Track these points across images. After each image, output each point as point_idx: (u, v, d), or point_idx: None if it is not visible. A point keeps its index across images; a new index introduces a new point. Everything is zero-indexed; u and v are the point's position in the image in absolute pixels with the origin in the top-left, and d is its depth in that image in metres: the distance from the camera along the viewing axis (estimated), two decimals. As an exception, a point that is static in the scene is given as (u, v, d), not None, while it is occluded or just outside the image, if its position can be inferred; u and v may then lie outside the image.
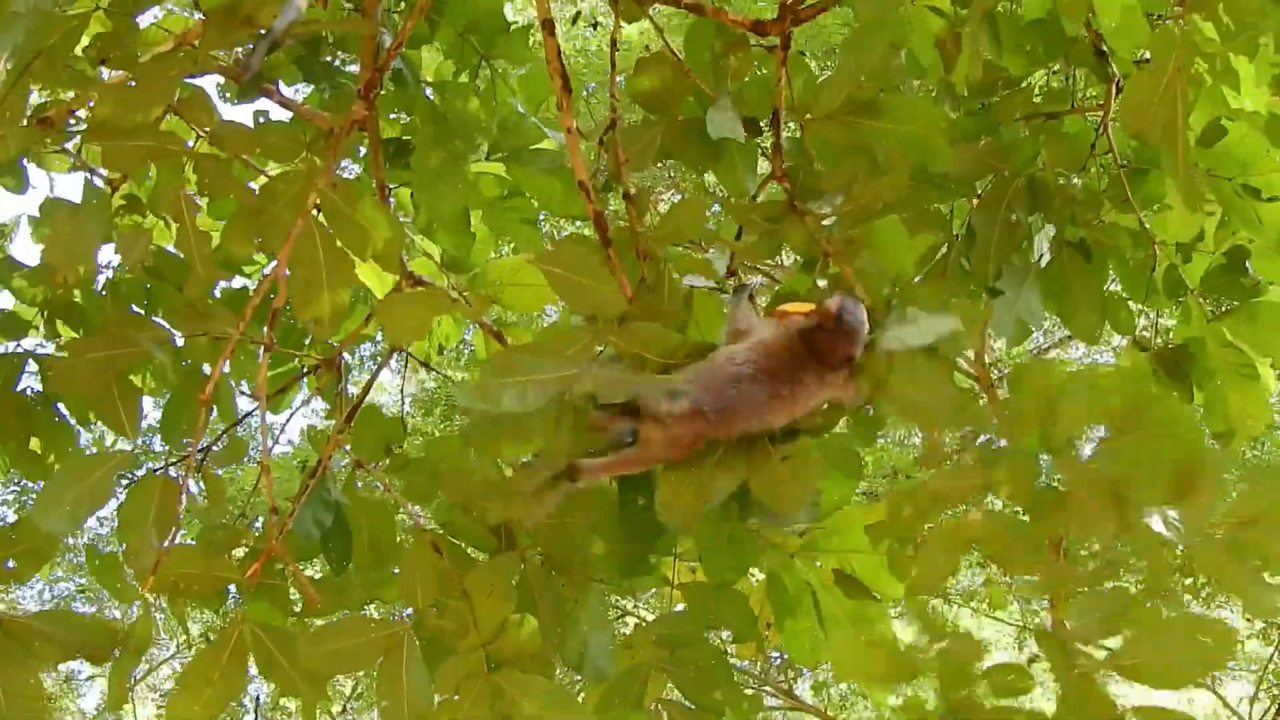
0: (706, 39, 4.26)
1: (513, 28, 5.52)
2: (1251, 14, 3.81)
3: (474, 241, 5.63)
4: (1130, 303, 4.95)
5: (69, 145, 5.23)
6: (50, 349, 5.16)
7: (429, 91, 5.46)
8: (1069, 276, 4.72)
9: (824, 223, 3.86)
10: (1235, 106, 4.43)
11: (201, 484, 4.55)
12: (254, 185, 4.28)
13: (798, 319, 3.44)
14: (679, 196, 15.36)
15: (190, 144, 4.00)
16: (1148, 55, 4.13)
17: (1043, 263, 4.77)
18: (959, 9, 4.56)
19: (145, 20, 4.29)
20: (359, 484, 4.77)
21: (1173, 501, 3.02)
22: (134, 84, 3.78)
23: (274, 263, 3.86)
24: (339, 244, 3.84)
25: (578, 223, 6.40)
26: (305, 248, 3.81)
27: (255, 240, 4.06)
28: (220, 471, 4.64)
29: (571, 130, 3.86)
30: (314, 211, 3.79)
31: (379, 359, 5.28)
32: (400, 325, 3.76)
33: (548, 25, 3.89)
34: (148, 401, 5.38)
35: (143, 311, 5.08)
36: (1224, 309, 4.78)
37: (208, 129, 3.97)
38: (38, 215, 4.47)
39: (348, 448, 4.68)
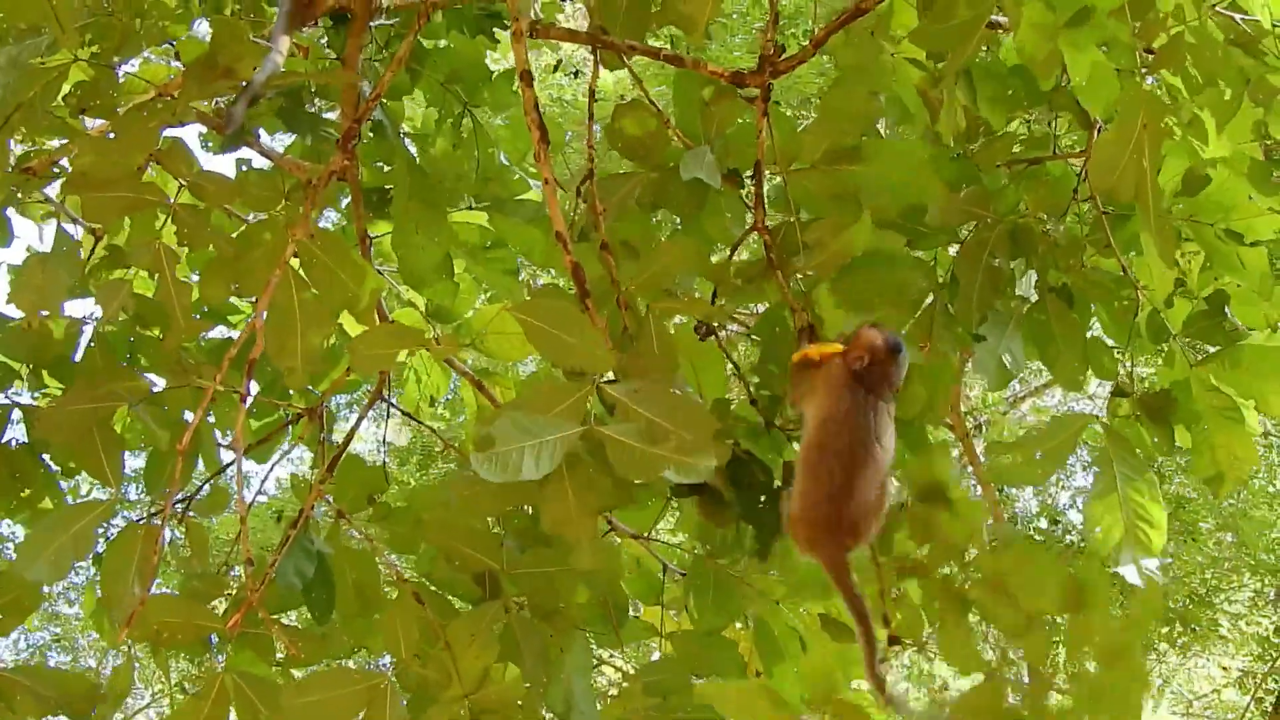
0: (694, 87, 4.28)
1: (495, 75, 5.55)
2: (1218, 66, 3.84)
3: (458, 291, 5.64)
4: (1113, 348, 4.96)
5: (52, 193, 5.23)
6: (36, 400, 5.16)
7: (408, 143, 5.47)
8: (1051, 322, 4.72)
9: (803, 274, 3.91)
10: (1206, 157, 4.44)
11: (183, 533, 4.56)
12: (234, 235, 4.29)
13: (841, 364, 3.51)
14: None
15: (170, 196, 4.02)
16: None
17: (1026, 308, 4.78)
18: (935, 63, 4.59)
19: (125, 70, 4.29)
20: (344, 533, 4.77)
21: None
22: (114, 135, 3.78)
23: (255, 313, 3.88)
24: (315, 293, 3.85)
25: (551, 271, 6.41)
26: (281, 296, 3.82)
27: (232, 287, 4.08)
28: (203, 520, 4.65)
29: (549, 181, 3.87)
30: (292, 260, 3.80)
31: (362, 407, 5.26)
32: (367, 358, 3.75)
33: (525, 77, 3.90)
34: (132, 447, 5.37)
35: (127, 362, 5.10)
36: (1207, 354, 4.78)
37: (187, 179, 3.98)
38: (20, 266, 4.47)
39: (330, 497, 4.68)
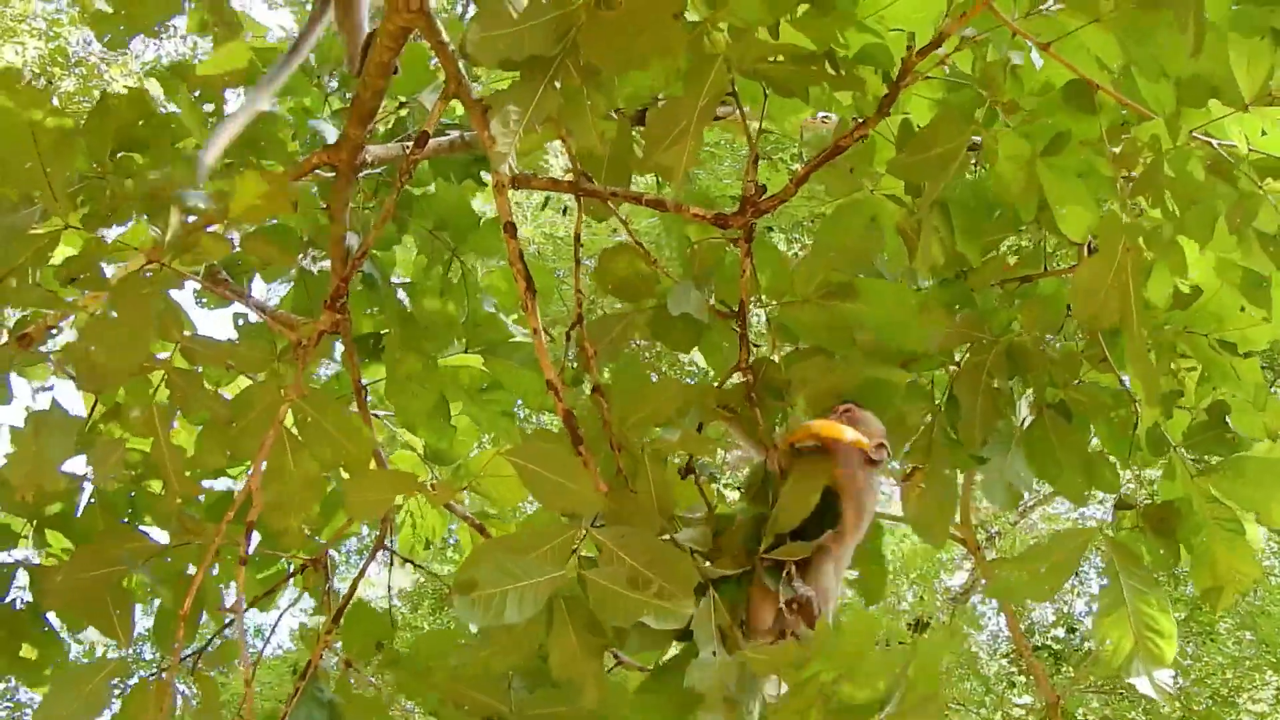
0: (679, 228, 4.33)
1: (482, 220, 5.60)
2: (1197, 194, 3.88)
3: (455, 434, 5.67)
4: (1114, 461, 4.95)
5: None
6: (39, 559, 5.18)
7: (400, 293, 5.51)
8: (1051, 438, 4.72)
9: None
10: (1190, 274, 4.46)
11: (195, 687, 4.56)
12: (226, 394, 4.32)
13: (861, 454, 3.80)
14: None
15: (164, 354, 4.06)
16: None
17: (1025, 426, 4.78)
18: (913, 198, 4.62)
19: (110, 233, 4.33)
20: (351, 681, 4.76)
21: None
22: (114, 314, 3.82)
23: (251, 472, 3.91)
24: (311, 454, 3.89)
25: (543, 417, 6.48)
26: (276, 459, 3.86)
27: (227, 453, 4.12)
28: (213, 674, 4.64)
29: (537, 331, 3.91)
30: (288, 418, 3.84)
31: (366, 554, 5.26)
32: (362, 503, 3.80)
33: (509, 228, 3.94)
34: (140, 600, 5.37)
35: (129, 517, 5.13)
36: (1208, 465, 4.77)
37: (180, 343, 4.02)
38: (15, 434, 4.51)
39: (338, 644, 4.68)
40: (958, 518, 5.72)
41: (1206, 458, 4.79)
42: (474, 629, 4.07)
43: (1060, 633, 20.72)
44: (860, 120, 4.06)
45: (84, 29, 17.97)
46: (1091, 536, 4.52)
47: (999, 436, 4.70)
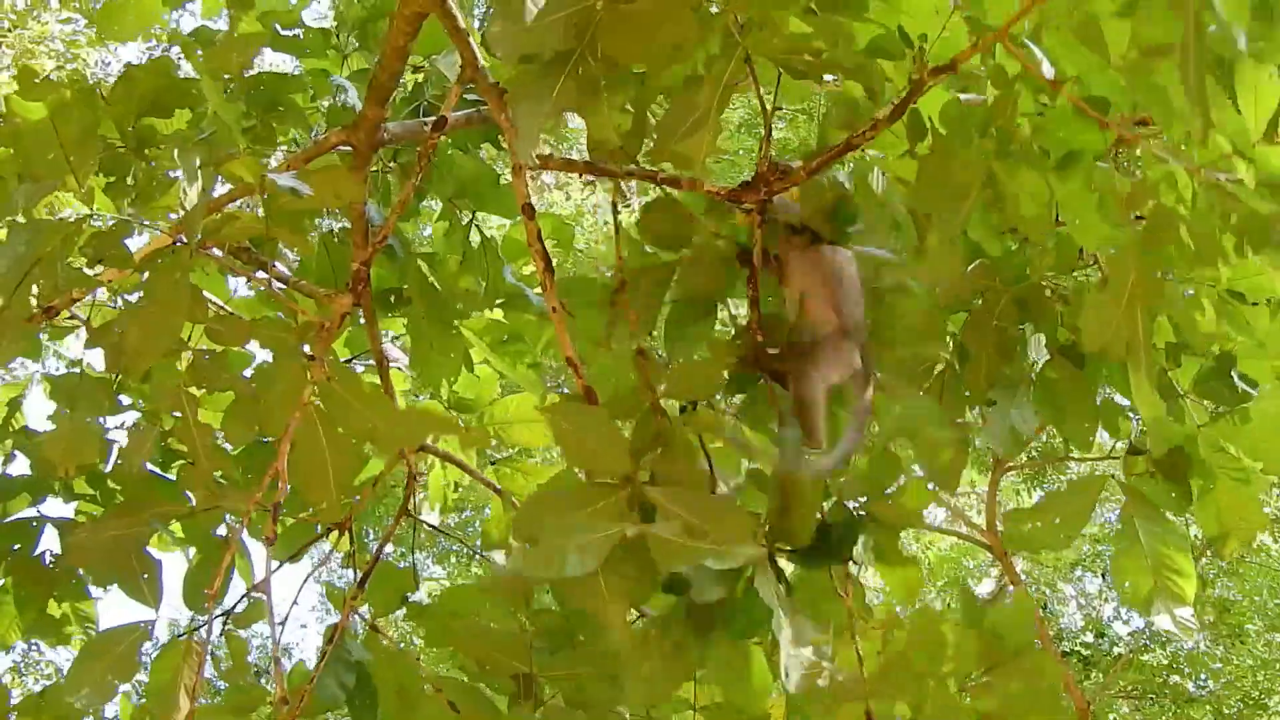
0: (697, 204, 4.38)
1: (501, 180, 5.63)
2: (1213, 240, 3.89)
3: (479, 383, 5.74)
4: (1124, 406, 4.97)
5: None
6: (70, 510, 5.28)
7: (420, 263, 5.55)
8: (1061, 383, 4.74)
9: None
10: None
11: (225, 647, 4.65)
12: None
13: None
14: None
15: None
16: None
17: (1035, 371, 4.80)
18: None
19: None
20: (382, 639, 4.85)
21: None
22: (142, 295, 3.88)
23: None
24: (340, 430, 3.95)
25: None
26: (308, 438, 3.91)
27: (254, 428, 4.19)
28: (242, 633, 4.73)
29: (556, 310, 3.96)
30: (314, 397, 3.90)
31: (390, 517, 5.34)
32: (397, 436, 4.06)
33: (527, 210, 3.98)
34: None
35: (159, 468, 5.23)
36: (1215, 414, 4.80)
37: (203, 324, 4.08)
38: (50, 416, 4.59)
39: (367, 607, 4.78)
40: (984, 524, 5.78)
41: (1213, 406, 4.82)
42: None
43: (1089, 638, 20.81)
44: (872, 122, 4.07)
45: (101, 49, 17.91)
46: (1105, 482, 4.57)
47: (1007, 381, 4.72)
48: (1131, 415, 4.94)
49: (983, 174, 4.00)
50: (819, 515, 3.92)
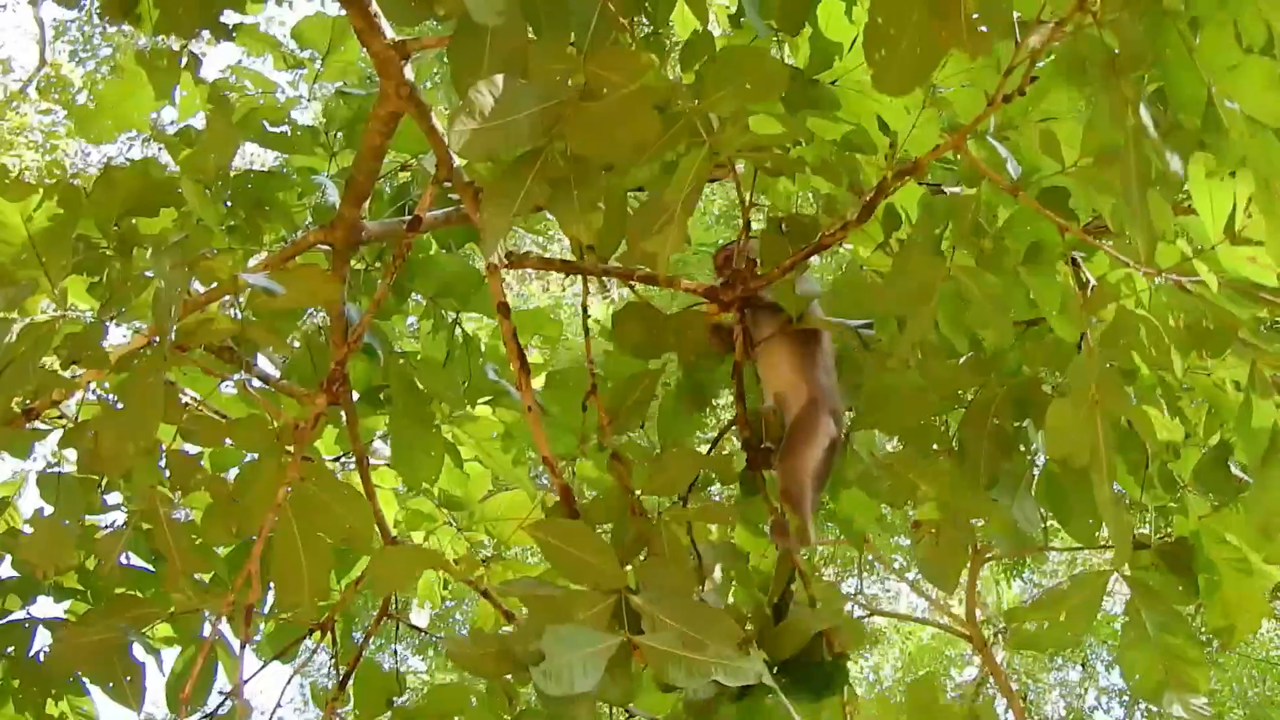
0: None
1: (484, 280, 5.60)
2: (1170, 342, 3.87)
3: (467, 480, 5.72)
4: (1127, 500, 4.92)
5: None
6: (60, 609, 5.26)
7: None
8: (1063, 479, 4.68)
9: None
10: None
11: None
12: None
13: None
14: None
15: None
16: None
17: (1037, 467, 4.76)
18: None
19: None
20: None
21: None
22: (121, 405, 3.86)
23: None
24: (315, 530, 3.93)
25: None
26: (283, 539, 3.89)
27: (232, 529, 4.16)
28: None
29: (532, 408, 3.94)
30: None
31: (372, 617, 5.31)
32: (387, 577, 3.93)
33: (502, 309, 3.98)
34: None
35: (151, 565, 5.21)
36: (1214, 505, 4.75)
37: (178, 425, 4.07)
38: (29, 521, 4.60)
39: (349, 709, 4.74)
40: (963, 614, 5.72)
41: (1213, 497, 4.77)
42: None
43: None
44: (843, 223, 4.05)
45: (80, 140, 18.10)
46: (1109, 575, 4.51)
47: (1007, 478, 4.67)
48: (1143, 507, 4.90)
49: (943, 275, 3.96)
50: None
